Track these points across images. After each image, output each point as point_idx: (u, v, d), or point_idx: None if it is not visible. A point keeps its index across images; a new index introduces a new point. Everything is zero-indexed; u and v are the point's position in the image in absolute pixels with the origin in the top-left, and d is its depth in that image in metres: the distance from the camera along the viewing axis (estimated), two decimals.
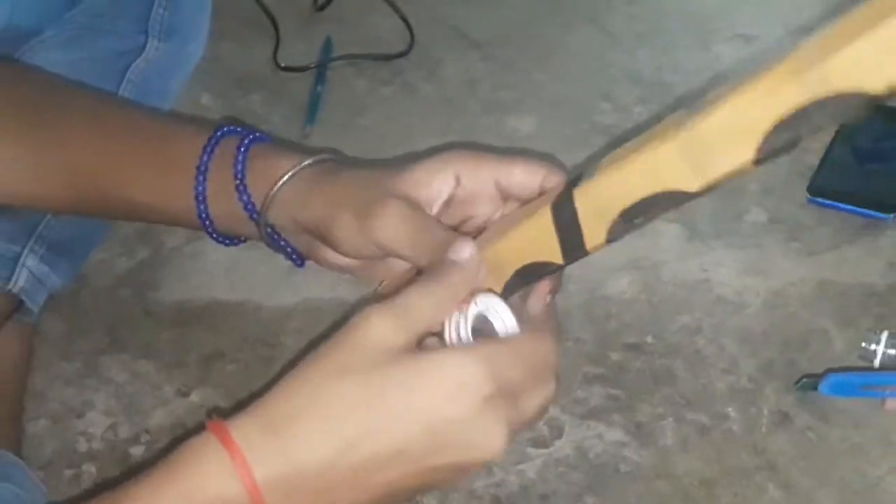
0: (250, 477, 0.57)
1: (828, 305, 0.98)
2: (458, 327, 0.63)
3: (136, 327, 1.00)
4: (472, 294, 0.64)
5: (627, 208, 0.62)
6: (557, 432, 0.89)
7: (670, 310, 0.98)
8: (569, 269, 1.00)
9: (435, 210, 0.71)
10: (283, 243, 0.77)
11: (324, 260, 0.76)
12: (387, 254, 0.71)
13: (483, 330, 0.64)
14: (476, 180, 0.71)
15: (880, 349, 0.90)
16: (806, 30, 1.29)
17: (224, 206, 0.77)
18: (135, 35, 1.05)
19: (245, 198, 0.75)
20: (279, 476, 0.57)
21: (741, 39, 1.30)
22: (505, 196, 0.71)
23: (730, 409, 0.90)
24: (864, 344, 0.91)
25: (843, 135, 1.12)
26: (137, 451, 0.90)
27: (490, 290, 0.65)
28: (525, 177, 0.70)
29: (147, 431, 0.91)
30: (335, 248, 0.73)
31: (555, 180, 0.69)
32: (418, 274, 0.68)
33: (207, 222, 0.78)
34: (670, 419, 0.89)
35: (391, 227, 0.69)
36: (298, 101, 1.23)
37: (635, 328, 0.97)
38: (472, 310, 0.63)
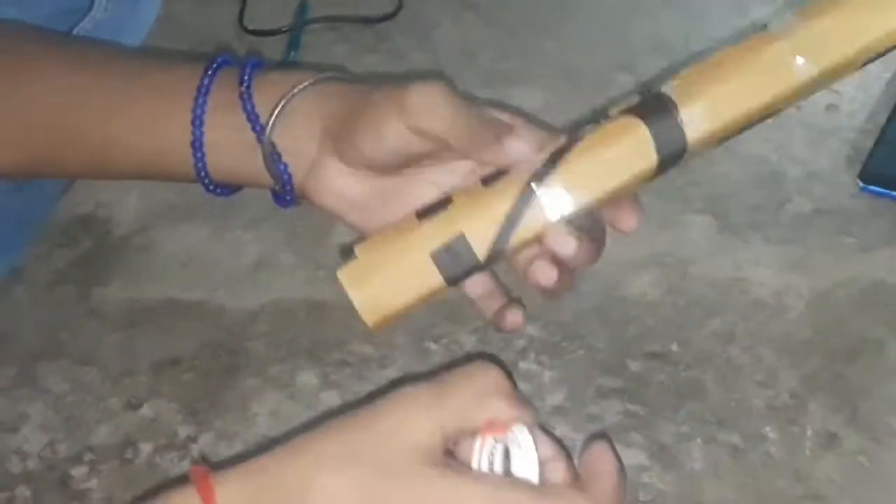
0: None
1: (882, 310, 0.98)
2: (492, 456, 0.65)
3: (79, 329, 1.00)
4: (509, 424, 0.66)
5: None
6: None
7: (699, 313, 0.99)
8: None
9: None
10: (284, 172, 0.79)
11: (326, 186, 0.78)
12: (424, 138, 0.74)
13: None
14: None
15: None
16: None
17: (221, 131, 0.79)
18: None
19: (249, 107, 0.78)
20: None
21: (781, 2, 1.30)
22: None
23: (768, 429, 0.90)
24: None
25: None
26: (79, 473, 0.90)
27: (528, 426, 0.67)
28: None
29: (90, 449, 0.91)
30: (357, 151, 0.76)
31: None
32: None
33: (199, 154, 0.80)
34: (698, 440, 0.90)
35: (433, 104, 0.73)
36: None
37: (658, 334, 0.97)
38: (511, 438, 0.65)
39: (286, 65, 0.79)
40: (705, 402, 0.92)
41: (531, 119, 0.78)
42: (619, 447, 0.87)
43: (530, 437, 0.66)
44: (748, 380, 0.93)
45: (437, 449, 0.62)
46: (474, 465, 0.65)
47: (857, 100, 1.17)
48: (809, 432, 0.90)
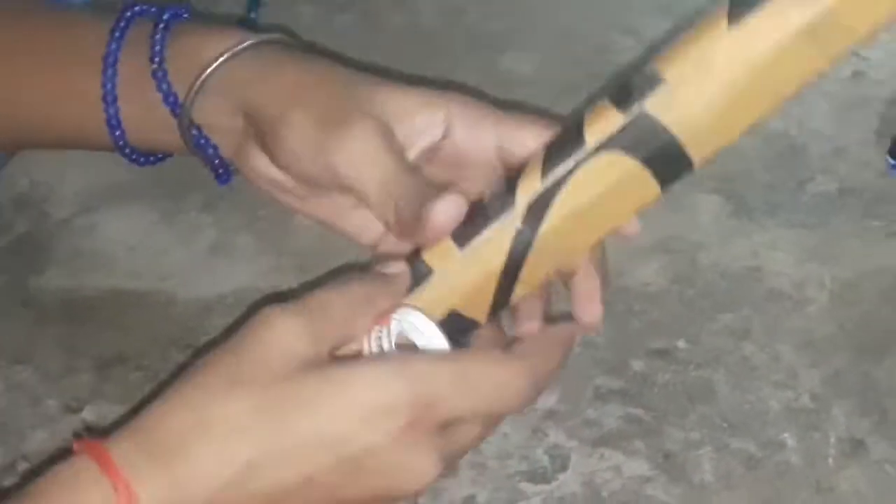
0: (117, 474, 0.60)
1: None
2: (380, 341, 0.66)
3: (13, 323, 1.00)
4: (396, 308, 0.67)
5: None
6: (561, 463, 0.88)
7: (710, 306, 0.98)
8: None
9: (411, 156, 0.72)
10: (209, 149, 0.78)
11: (253, 169, 0.77)
12: (338, 185, 0.72)
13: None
14: (472, 137, 0.73)
15: None
16: None
17: (137, 105, 0.78)
18: None
19: (164, 86, 0.76)
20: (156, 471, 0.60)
21: None
22: (508, 169, 0.72)
23: (786, 436, 0.90)
24: None
25: None
26: (12, 482, 0.89)
27: (415, 307, 0.68)
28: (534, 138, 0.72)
29: (24, 458, 0.90)
30: (275, 157, 0.74)
31: None
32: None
33: (117, 131, 0.79)
34: (708, 448, 0.89)
35: (357, 154, 0.70)
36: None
37: (664, 329, 0.97)
38: (393, 325, 0.66)
39: (207, 18, 0.78)
40: (716, 405, 0.92)
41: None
42: (618, 456, 0.89)
43: (420, 314, 0.67)
44: (764, 380, 0.93)
45: (323, 355, 0.63)
46: (365, 353, 0.66)
47: (886, 66, 1.18)
48: (833, 439, 0.89)
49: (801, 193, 1.06)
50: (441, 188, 0.72)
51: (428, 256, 0.71)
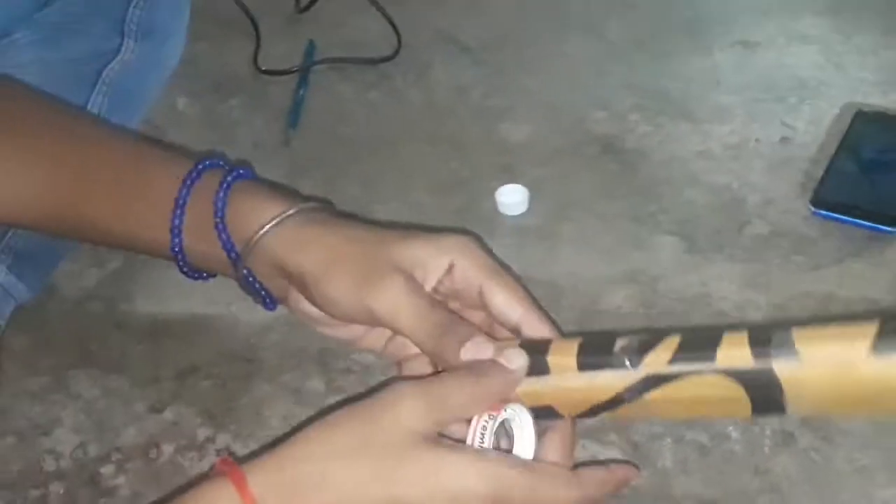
0: None
1: (832, 321, 0.97)
2: (484, 432, 0.66)
3: (107, 341, 1.00)
4: (505, 402, 0.67)
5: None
6: None
7: (668, 324, 0.98)
8: (563, 283, 1.01)
9: (427, 289, 0.73)
10: (258, 287, 0.78)
11: (299, 309, 0.77)
12: (380, 325, 0.72)
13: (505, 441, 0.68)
14: (464, 280, 0.73)
15: None
16: (806, 38, 1.31)
17: (200, 243, 0.78)
18: (110, 35, 1.05)
19: (224, 237, 0.76)
20: None
21: (741, 46, 1.30)
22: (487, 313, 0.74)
23: (731, 429, 0.89)
24: None
25: (848, 145, 1.12)
26: (108, 471, 0.89)
27: (522, 404, 0.68)
28: (504, 307, 0.73)
29: (118, 450, 0.91)
30: (321, 306, 0.74)
31: (535, 327, 0.72)
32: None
33: (180, 257, 0.79)
34: (669, 439, 0.89)
35: (392, 302, 0.71)
36: (280, 106, 1.23)
37: None
38: (501, 416, 0.67)
39: (265, 182, 0.78)
40: None
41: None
42: (597, 446, 0.88)
43: (527, 412, 0.67)
44: None
45: (434, 433, 0.64)
46: (468, 440, 0.65)
47: (808, 133, 1.17)
48: (768, 432, 0.89)
49: (740, 235, 1.06)
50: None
51: (551, 359, 0.70)
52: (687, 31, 1.33)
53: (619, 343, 0.68)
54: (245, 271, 0.77)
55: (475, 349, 0.69)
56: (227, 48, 1.32)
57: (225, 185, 0.77)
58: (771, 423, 0.89)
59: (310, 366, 0.96)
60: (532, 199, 1.10)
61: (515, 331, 0.73)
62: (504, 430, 0.69)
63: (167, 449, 0.90)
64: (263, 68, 1.28)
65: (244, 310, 1.01)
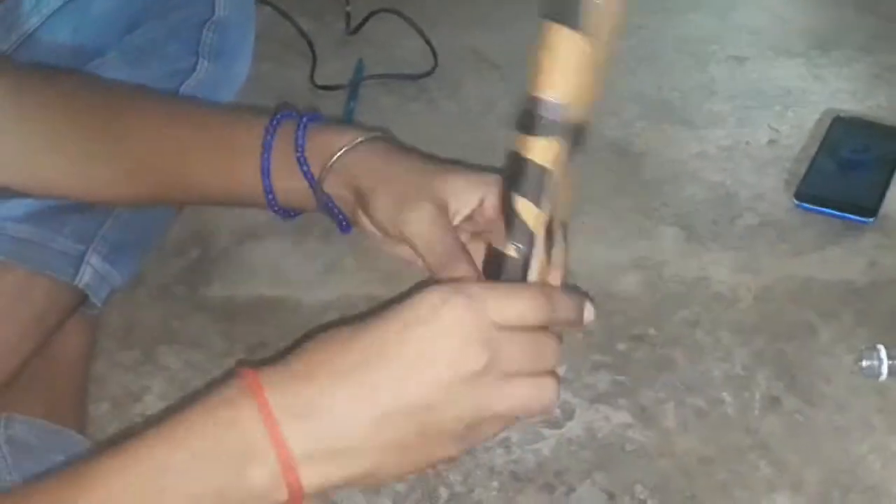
0: (275, 427, 0.55)
1: (813, 301, 0.98)
2: None
3: (188, 320, 1.00)
4: None
5: None
6: (569, 415, 0.89)
7: (671, 305, 0.99)
8: (577, 269, 1.01)
9: (457, 220, 0.73)
10: (335, 210, 0.79)
11: (362, 225, 0.78)
12: (404, 240, 0.73)
13: None
14: (493, 210, 0.73)
15: (885, 363, 0.89)
16: (791, 52, 1.31)
17: (285, 180, 0.79)
18: (187, 56, 1.06)
19: (305, 168, 0.77)
20: (303, 425, 0.56)
21: (734, 60, 1.30)
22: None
23: (725, 394, 0.90)
24: (864, 362, 0.90)
25: (828, 146, 1.13)
26: None
27: None
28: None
29: None
30: (374, 224, 0.75)
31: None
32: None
33: (270, 196, 0.80)
34: (671, 403, 0.90)
35: (416, 225, 0.72)
36: (333, 117, 1.23)
37: (639, 321, 0.97)
38: None
39: (335, 121, 0.78)
40: (676, 373, 0.92)
41: None
42: (608, 410, 0.89)
43: None
44: (710, 356, 0.94)
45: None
46: None
47: (792, 136, 1.17)
48: (758, 396, 0.90)
49: (733, 225, 1.07)
50: (475, 236, 0.75)
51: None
52: (685, 48, 1.33)
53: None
54: (324, 197, 0.78)
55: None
56: (287, 67, 1.32)
57: (302, 126, 0.78)
58: (759, 389, 0.90)
59: None
60: None
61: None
62: None
63: None
64: (319, 84, 1.29)
65: (306, 293, 1.02)
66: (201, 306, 1.02)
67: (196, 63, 1.07)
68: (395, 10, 1.35)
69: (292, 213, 0.83)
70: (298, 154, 0.78)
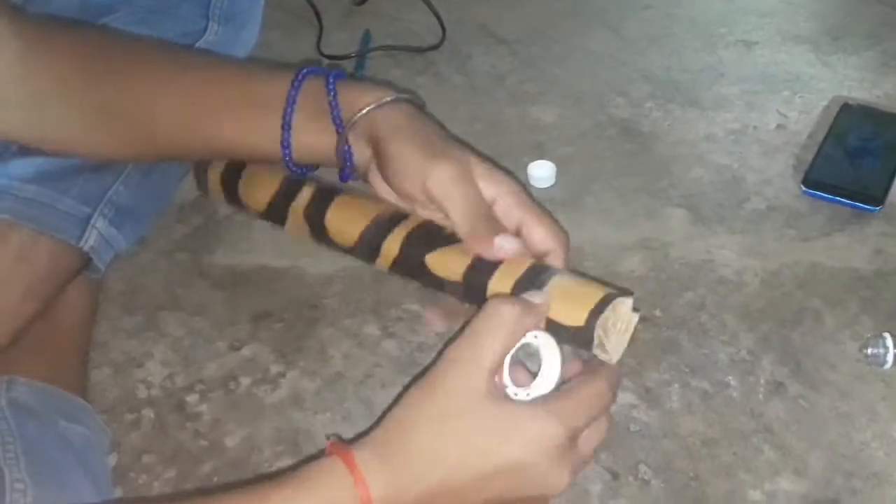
0: (368, 497, 0.61)
1: (819, 287, 0.98)
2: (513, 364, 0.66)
3: (192, 287, 1.00)
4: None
5: None
6: None
7: (677, 287, 0.98)
8: (585, 249, 1.01)
9: None
10: (349, 157, 0.77)
11: (373, 182, 0.77)
12: (431, 202, 0.72)
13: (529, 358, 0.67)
14: (506, 213, 0.72)
15: (890, 351, 0.89)
16: (799, 38, 1.30)
17: (307, 134, 0.78)
18: (197, 19, 1.05)
19: (335, 112, 0.76)
20: (391, 497, 0.62)
21: (742, 44, 1.30)
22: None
23: (730, 378, 0.90)
24: (869, 350, 0.90)
25: (835, 133, 1.12)
26: (192, 399, 0.90)
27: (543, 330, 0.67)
28: (542, 239, 0.71)
29: (201, 381, 0.92)
30: (387, 176, 0.74)
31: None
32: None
33: (287, 152, 0.79)
34: (676, 385, 0.90)
35: (446, 182, 0.70)
36: None
37: (645, 303, 0.96)
38: (530, 340, 0.66)
39: (357, 78, 0.77)
40: (681, 356, 0.92)
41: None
42: None
43: (548, 337, 0.66)
44: (715, 339, 0.93)
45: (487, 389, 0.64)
46: (504, 374, 0.65)
47: (800, 122, 1.17)
48: (762, 381, 0.90)
49: (740, 209, 1.06)
50: None
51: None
52: (694, 30, 1.33)
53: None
54: (345, 148, 0.77)
55: (506, 241, 0.69)
56: (295, 35, 1.31)
57: (331, 79, 0.77)
58: (764, 374, 0.90)
59: (366, 314, 0.97)
60: (559, 174, 1.10)
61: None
62: (528, 354, 0.68)
63: (244, 381, 0.91)
64: (326, 53, 1.28)
65: (310, 263, 1.01)
66: (204, 274, 1.02)
67: (206, 26, 1.06)
68: None
69: (304, 169, 0.82)
70: (331, 98, 0.76)
